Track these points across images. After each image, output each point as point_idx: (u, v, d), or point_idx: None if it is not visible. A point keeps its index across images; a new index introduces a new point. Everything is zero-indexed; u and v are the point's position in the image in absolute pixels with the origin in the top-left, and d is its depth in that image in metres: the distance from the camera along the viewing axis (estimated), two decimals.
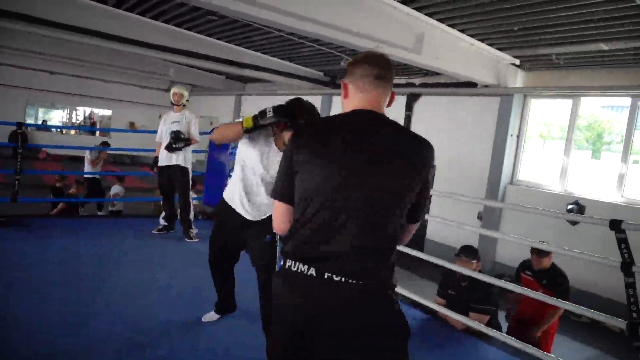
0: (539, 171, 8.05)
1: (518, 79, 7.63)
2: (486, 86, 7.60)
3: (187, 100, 5.29)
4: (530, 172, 8.05)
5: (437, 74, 7.89)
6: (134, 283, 3.67)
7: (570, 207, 6.92)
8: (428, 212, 3.60)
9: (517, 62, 7.14)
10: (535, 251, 3.74)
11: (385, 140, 1.40)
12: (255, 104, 14.89)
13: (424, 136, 1.49)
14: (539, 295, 3.07)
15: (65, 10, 6.81)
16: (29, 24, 6.79)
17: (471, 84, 7.81)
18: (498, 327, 3.44)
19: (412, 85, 9.32)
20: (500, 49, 6.74)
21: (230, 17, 6.67)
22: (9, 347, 2.48)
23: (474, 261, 3.42)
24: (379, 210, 1.37)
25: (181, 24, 8.10)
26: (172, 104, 5.20)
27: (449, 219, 4.03)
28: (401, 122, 9.07)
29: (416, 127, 9.08)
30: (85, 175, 8.72)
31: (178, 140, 5.00)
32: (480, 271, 3.44)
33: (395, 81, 9.24)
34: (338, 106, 11.54)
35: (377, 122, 1.43)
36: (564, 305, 2.97)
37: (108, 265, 4.07)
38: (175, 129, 5.02)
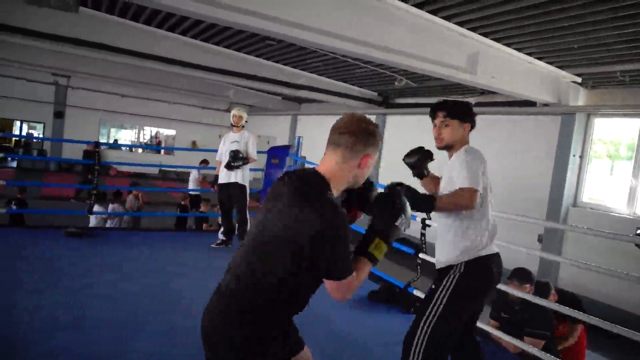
0: (605, 193, 7.67)
1: (580, 97, 7.36)
2: (546, 105, 7.40)
3: (246, 121, 5.56)
4: (596, 193, 7.68)
5: (494, 92, 7.78)
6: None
7: (639, 231, 6.53)
8: None
9: (579, 80, 6.92)
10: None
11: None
12: (310, 123, 15.22)
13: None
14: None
15: (135, 37, 7.41)
16: (100, 50, 7.44)
17: (530, 103, 7.62)
18: (554, 353, 3.32)
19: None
20: (560, 67, 6.57)
21: (287, 42, 6.95)
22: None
23: (527, 285, 3.33)
24: None
25: (241, 49, 8.54)
26: (232, 125, 5.49)
27: (505, 241, 3.96)
28: None
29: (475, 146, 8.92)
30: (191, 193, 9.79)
31: (236, 159, 5.25)
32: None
33: (452, 99, 9.06)
34: (392, 125, 11.63)
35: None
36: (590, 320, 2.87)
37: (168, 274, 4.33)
38: (234, 149, 5.29)
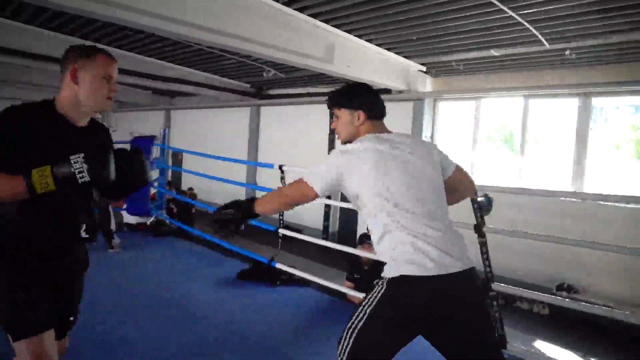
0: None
1: (427, 85, 8.26)
2: (400, 92, 8.17)
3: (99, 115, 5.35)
4: None
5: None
6: None
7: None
8: None
9: (424, 68, 7.76)
10: None
11: None
12: (185, 117, 14.85)
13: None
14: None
15: None
16: None
17: (386, 91, 8.34)
18: None
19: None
20: (407, 57, 7.31)
21: (146, 32, 6.75)
22: None
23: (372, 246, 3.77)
24: None
25: (99, 39, 8.05)
26: None
27: None
28: (326, 130, 9.47)
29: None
30: None
31: None
32: None
33: (315, 91, 9.54)
34: (266, 117, 11.85)
35: None
36: None
37: None
38: None
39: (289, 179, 2.33)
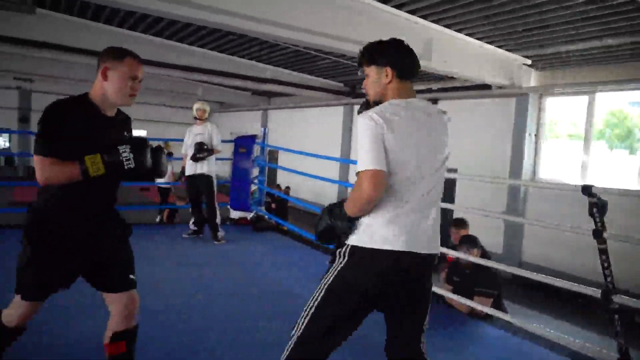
0: (560, 168, 8.07)
1: (532, 79, 7.74)
2: (501, 87, 7.75)
3: (209, 114, 5.73)
4: (552, 169, 8.08)
5: (452, 78, 8.09)
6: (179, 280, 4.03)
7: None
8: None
9: (529, 62, 7.27)
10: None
11: None
12: (281, 117, 15.36)
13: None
14: None
15: (96, 37, 7.42)
16: (60, 52, 7.45)
17: (486, 87, 7.96)
18: (502, 309, 3.62)
19: (431, 90, 9.52)
20: (509, 50, 6.90)
21: (249, 36, 7.10)
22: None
23: (475, 250, 3.61)
24: None
25: (204, 45, 8.64)
26: (196, 118, 5.62)
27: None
28: None
29: None
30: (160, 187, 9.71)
31: (202, 151, 5.41)
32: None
33: (415, 87, 9.40)
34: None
35: None
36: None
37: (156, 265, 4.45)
38: (199, 141, 5.44)
39: None
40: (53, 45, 7.29)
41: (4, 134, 18.30)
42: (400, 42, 1.78)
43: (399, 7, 5.40)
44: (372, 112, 1.62)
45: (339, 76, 10.65)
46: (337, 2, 5.02)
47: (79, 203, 1.89)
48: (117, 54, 1.90)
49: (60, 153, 1.78)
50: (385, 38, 1.84)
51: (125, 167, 1.83)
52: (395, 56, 1.73)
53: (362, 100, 1.74)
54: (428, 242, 1.68)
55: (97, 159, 1.79)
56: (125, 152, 1.84)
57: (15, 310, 1.92)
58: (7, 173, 17.21)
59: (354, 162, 1.87)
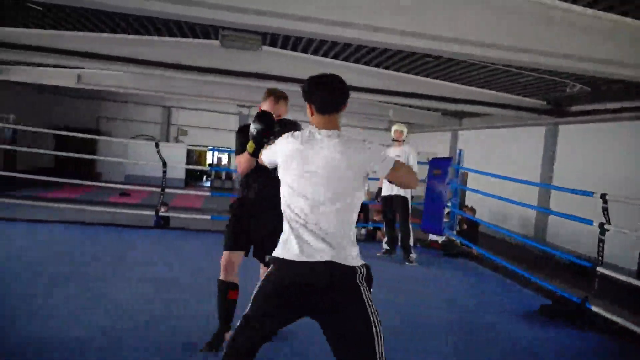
0: None
1: None
2: None
3: (406, 136, 5.84)
4: None
5: None
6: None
7: None
8: None
9: None
10: None
11: None
12: (470, 138, 14.81)
13: None
14: None
15: (300, 67, 8.28)
16: (279, 81, 8.52)
17: None
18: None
19: None
20: None
21: (445, 57, 7.07)
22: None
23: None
24: None
25: (400, 69, 8.90)
26: (394, 140, 5.81)
27: None
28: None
29: None
30: None
31: None
32: None
33: (626, 106, 8.14)
34: (564, 137, 10.75)
35: None
36: None
37: None
38: None
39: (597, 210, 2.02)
40: (272, 77, 8.44)
41: (223, 152, 21.72)
42: (320, 79, 1.98)
43: (623, 13, 4.73)
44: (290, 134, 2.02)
45: (541, 93, 9.79)
46: (544, 14, 4.64)
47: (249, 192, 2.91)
48: (265, 95, 3.14)
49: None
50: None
51: (254, 133, 2.48)
52: (313, 94, 1.96)
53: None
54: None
55: (250, 143, 2.57)
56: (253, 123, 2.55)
57: (222, 259, 2.83)
58: (226, 185, 20.44)
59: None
